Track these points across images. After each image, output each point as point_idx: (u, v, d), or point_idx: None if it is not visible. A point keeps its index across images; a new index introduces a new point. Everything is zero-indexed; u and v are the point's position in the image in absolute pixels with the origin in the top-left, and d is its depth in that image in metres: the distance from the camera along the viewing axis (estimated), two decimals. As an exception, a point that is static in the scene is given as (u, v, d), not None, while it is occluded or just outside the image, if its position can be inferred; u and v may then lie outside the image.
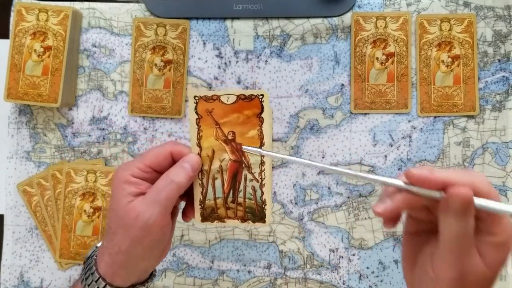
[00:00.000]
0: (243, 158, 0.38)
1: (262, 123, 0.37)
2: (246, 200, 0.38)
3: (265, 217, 0.38)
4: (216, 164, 0.38)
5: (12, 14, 0.52)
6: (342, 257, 0.52)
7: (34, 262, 0.53)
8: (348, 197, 0.52)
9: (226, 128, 0.37)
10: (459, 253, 0.29)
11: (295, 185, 0.52)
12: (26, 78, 0.51)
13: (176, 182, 0.35)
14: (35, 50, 0.51)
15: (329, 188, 0.52)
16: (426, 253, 0.32)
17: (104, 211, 0.52)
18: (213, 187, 0.38)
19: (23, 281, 0.52)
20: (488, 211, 0.29)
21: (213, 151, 0.38)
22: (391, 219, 0.33)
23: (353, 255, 0.52)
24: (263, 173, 0.38)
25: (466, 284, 0.30)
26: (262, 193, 0.38)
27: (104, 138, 0.53)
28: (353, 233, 0.52)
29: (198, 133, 0.38)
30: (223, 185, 0.38)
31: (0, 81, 0.51)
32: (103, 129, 0.53)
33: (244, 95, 0.37)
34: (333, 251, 0.52)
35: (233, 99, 0.37)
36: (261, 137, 0.37)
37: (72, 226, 0.51)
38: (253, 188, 0.38)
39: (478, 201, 0.29)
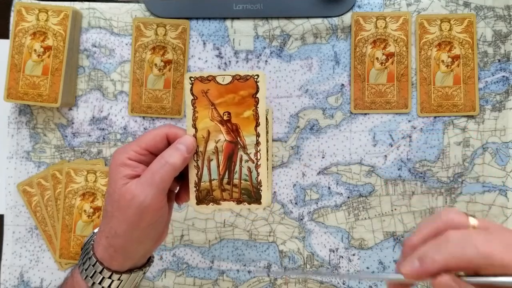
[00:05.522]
0: (238, 139, 0.38)
1: (257, 104, 0.37)
2: (242, 181, 0.38)
3: (260, 198, 0.38)
4: (211, 145, 0.38)
5: (12, 14, 0.52)
6: (342, 257, 0.52)
7: (34, 262, 0.53)
8: (348, 197, 0.52)
9: (221, 108, 0.37)
10: None
11: (295, 185, 0.52)
12: (26, 78, 0.51)
13: (171, 163, 0.35)
14: (35, 50, 0.51)
15: (329, 188, 0.52)
16: None
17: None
18: (209, 168, 0.38)
19: (23, 281, 0.52)
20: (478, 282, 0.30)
21: (209, 132, 0.38)
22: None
23: (353, 255, 0.52)
24: (258, 153, 0.38)
25: None
26: (258, 174, 0.38)
27: (104, 138, 0.53)
28: (353, 233, 0.52)
29: (194, 114, 0.37)
30: (218, 166, 0.38)
31: (0, 81, 0.51)
32: (103, 129, 0.53)
33: (239, 75, 0.37)
34: (333, 251, 0.52)
35: (228, 79, 0.37)
36: (256, 117, 0.37)
37: (72, 226, 0.51)
38: (249, 169, 0.38)
39: (468, 279, 0.30)
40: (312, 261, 0.52)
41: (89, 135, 0.53)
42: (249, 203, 0.38)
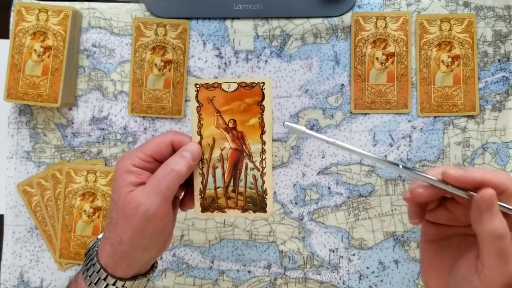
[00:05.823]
0: (244, 147, 0.38)
1: (263, 111, 0.37)
2: (247, 189, 0.38)
3: (266, 207, 0.38)
4: (216, 153, 0.38)
5: (12, 14, 0.52)
6: (342, 257, 0.52)
7: (34, 262, 0.53)
8: (348, 197, 0.52)
9: (227, 116, 0.37)
10: (503, 256, 0.30)
11: (295, 185, 0.52)
12: (26, 78, 0.51)
13: (176, 170, 0.35)
14: (35, 50, 0.51)
15: (329, 188, 0.52)
16: (464, 264, 0.33)
17: (104, 211, 0.52)
18: (214, 176, 0.38)
19: (23, 281, 0.52)
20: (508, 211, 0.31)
21: (214, 140, 0.38)
22: (418, 212, 0.35)
23: (353, 255, 0.52)
24: (264, 161, 0.38)
25: None
26: (263, 182, 0.38)
27: (104, 138, 0.53)
28: (353, 233, 0.52)
29: (199, 122, 0.37)
30: (223, 174, 0.38)
31: (0, 81, 0.51)
32: (103, 129, 0.53)
33: (245, 82, 0.37)
34: (333, 251, 0.52)
35: (234, 86, 0.37)
36: (262, 125, 0.37)
37: (72, 226, 0.51)
38: (254, 177, 0.38)
39: (503, 204, 0.31)
40: (312, 261, 0.52)
41: (89, 135, 0.53)
42: (254, 212, 0.38)
